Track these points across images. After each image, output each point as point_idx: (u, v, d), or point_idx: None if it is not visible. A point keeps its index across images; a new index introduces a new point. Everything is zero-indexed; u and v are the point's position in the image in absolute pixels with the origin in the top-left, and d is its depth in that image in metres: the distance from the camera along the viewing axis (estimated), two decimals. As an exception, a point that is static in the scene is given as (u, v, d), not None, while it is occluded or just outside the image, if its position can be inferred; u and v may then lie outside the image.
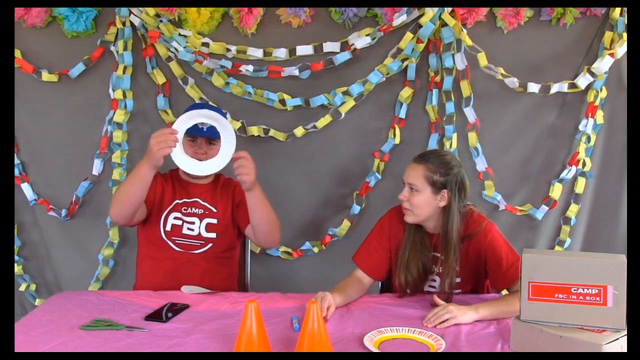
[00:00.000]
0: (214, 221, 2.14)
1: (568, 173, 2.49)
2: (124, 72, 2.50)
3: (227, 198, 2.17)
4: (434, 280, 1.96)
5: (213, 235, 2.13)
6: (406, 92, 2.46)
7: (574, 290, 1.45)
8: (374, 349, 1.50)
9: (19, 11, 2.48)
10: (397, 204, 2.12)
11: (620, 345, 1.39)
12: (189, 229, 2.12)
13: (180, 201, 2.14)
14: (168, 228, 2.11)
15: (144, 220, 2.14)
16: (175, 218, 2.12)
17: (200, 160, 2.02)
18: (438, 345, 1.53)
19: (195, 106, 2.14)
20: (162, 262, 2.10)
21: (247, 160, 1.91)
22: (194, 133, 2.05)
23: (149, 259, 2.14)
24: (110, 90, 2.54)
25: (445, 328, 1.65)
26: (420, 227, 1.96)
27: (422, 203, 1.86)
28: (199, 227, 2.13)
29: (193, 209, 2.14)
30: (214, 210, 2.15)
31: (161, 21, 2.44)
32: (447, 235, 1.87)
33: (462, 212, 1.89)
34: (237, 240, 2.23)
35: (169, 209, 2.13)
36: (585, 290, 1.45)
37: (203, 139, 2.09)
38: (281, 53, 2.46)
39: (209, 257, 2.12)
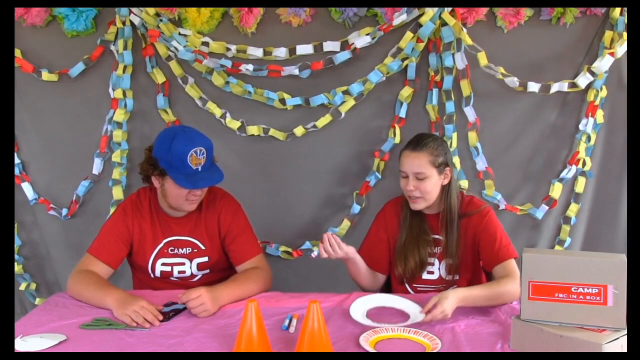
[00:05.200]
0: (205, 259, 2.05)
1: (568, 172, 2.48)
2: (123, 72, 2.50)
3: (213, 229, 2.05)
4: (432, 264, 1.97)
5: (206, 271, 2.07)
6: (406, 92, 2.46)
7: (574, 289, 1.45)
8: (370, 349, 1.50)
9: (18, 11, 2.48)
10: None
11: (620, 344, 1.39)
12: (179, 272, 2.05)
13: (165, 241, 2.03)
14: (157, 274, 2.05)
15: (130, 265, 2.10)
16: (163, 264, 2.04)
17: (194, 200, 1.93)
18: (434, 345, 1.53)
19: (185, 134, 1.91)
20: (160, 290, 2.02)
21: (201, 300, 1.74)
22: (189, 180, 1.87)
23: (146, 285, 2.10)
24: (110, 90, 2.54)
25: (446, 327, 1.65)
26: (417, 212, 1.97)
27: (432, 187, 1.91)
28: (190, 268, 2.05)
29: (180, 249, 2.04)
30: (202, 248, 2.04)
31: (161, 20, 2.44)
32: (451, 210, 1.94)
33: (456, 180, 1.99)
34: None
35: (153, 255, 2.03)
36: (586, 289, 1.45)
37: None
38: (281, 52, 2.45)
39: (207, 281, 2.04)
